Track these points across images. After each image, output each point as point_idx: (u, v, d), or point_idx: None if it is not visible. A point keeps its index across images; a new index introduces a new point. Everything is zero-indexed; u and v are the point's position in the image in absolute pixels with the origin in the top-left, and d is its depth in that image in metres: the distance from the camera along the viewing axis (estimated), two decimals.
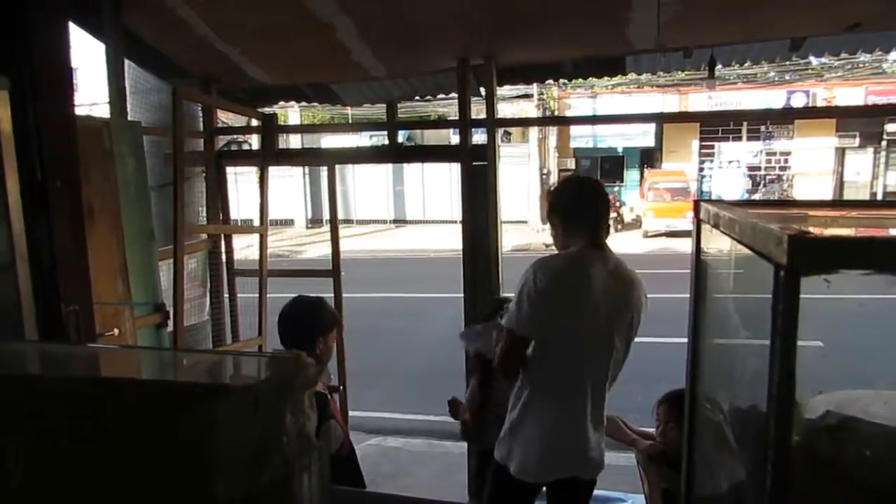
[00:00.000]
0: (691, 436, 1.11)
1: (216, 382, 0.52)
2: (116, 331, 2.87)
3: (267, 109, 4.35)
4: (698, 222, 1.06)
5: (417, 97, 4.42)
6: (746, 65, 4.35)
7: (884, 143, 19.47)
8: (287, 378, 0.46)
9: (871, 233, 0.92)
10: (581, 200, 2.32)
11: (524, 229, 18.45)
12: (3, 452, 0.48)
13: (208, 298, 4.11)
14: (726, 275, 1.08)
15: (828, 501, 0.75)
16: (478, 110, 3.70)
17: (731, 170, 19.55)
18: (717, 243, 1.02)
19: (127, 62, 3.52)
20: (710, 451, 1.06)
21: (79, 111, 2.51)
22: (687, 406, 1.12)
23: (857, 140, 19.53)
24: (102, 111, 3.93)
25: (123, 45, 3.43)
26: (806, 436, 0.70)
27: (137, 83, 3.68)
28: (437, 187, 20.53)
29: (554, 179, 20.73)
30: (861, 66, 17.76)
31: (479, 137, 3.67)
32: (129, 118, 3.45)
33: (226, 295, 4.21)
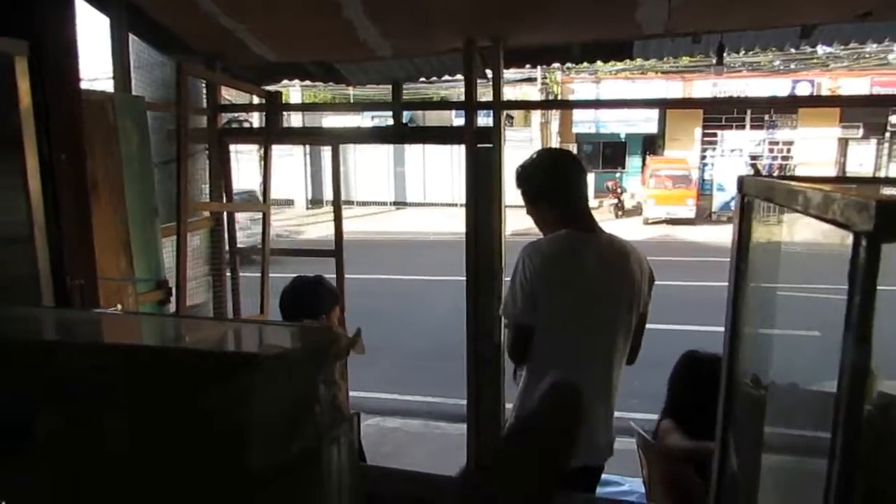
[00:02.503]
0: (726, 422, 1.10)
1: (251, 351, 0.52)
2: (119, 306, 2.87)
3: (270, 87, 4.32)
4: (742, 197, 1.05)
5: (423, 78, 4.39)
6: (753, 52, 4.32)
7: (887, 135, 19.42)
8: (320, 348, 0.46)
9: None
10: (570, 181, 2.27)
11: (524, 213, 18.41)
12: (33, 421, 0.48)
13: (211, 277, 4.12)
14: (774, 252, 1.06)
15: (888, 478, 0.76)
16: (481, 93, 3.67)
17: (733, 158, 19.50)
18: (762, 221, 1.01)
19: (130, 36, 3.49)
20: (756, 436, 1.05)
21: (82, 86, 2.49)
22: (723, 390, 1.11)
23: (861, 131, 19.48)
24: (103, 87, 3.90)
25: (127, 19, 3.40)
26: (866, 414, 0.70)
27: (140, 58, 3.65)
28: (438, 169, 20.50)
29: None
30: (867, 56, 17.67)
31: (482, 120, 3.65)
32: (132, 93, 3.43)
33: (228, 273, 4.21)
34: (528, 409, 2.18)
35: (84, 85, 3.18)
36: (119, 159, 2.96)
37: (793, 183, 0.83)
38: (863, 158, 19.68)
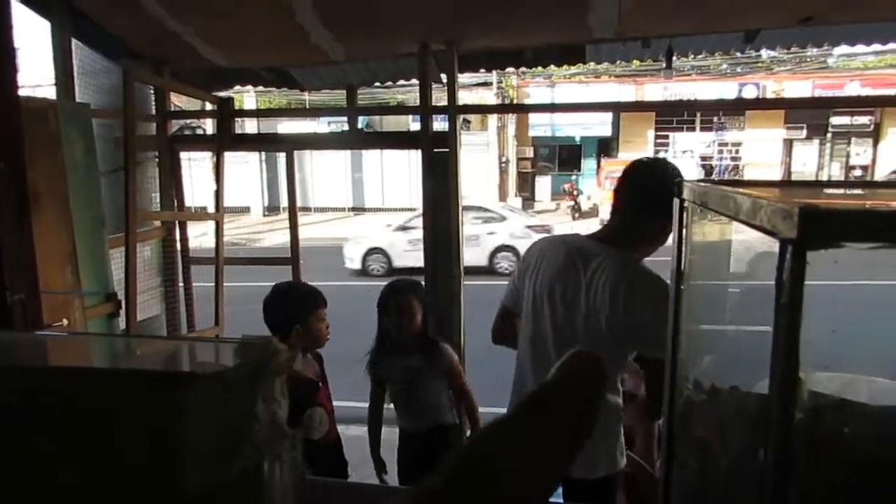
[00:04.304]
0: (671, 423, 1.11)
1: (184, 370, 0.50)
2: (66, 321, 2.77)
3: (222, 93, 4.24)
4: (681, 202, 1.06)
5: (377, 83, 4.37)
6: (702, 56, 4.43)
7: (829, 135, 20.20)
8: (258, 364, 0.44)
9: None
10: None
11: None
12: None
13: (164, 288, 4.01)
14: (712, 256, 1.08)
15: (822, 478, 0.77)
16: (438, 97, 3.68)
17: (685, 159, 19.99)
18: (701, 224, 1.03)
19: (74, 42, 3.38)
20: (696, 435, 1.06)
21: (21, 93, 2.40)
22: (667, 392, 1.12)
23: (805, 132, 20.22)
24: (47, 94, 3.77)
25: (70, 24, 3.29)
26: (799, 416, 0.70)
27: (85, 64, 3.54)
28: (396, 174, 20.45)
29: (513, 168, 20.92)
30: (808, 60, 18.35)
31: (439, 125, 3.65)
32: (76, 100, 3.32)
33: (180, 284, 4.11)
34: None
35: (26, 92, 3.07)
36: (63, 168, 2.86)
37: (726, 188, 0.84)
38: (806, 158, 20.44)
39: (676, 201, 1.07)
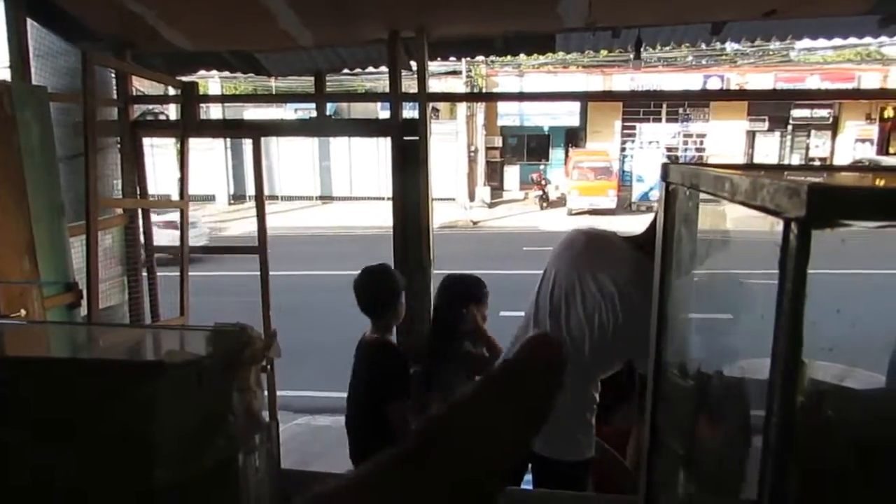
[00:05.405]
0: (654, 412, 1.12)
1: (155, 359, 0.48)
2: (23, 311, 2.69)
3: (186, 78, 4.13)
4: (666, 185, 1.04)
5: (346, 70, 4.31)
6: (669, 47, 4.48)
7: (790, 127, 20.70)
8: (232, 353, 0.43)
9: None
10: None
11: (451, 206, 18.55)
12: None
13: (126, 278, 3.92)
14: (700, 242, 1.06)
15: (819, 462, 0.77)
16: (407, 85, 3.65)
17: (651, 150, 20.26)
18: (683, 209, 1.01)
19: (30, 22, 3.26)
20: (683, 423, 1.06)
21: None
22: (651, 379, 1.12)
23: (766, 123, 20.67)
24: (1, 76, 3.64)
25: (25, 3, 3.17)
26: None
27: (42, 45, 3.41)
28: (365, 163, 20.32)
29: (481, 157, 20.95)
30: (771, 53, 18.73)
31: (408, 113, 3.62)
32: (33, 83, 3.21)
33: (144, 273, 4.02)
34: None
35: None
36: (18, 154, 2.76)
37: (719, 169, 0.83)
38: (768, 149, 20.92)
39: (662, 185, 1.05)
